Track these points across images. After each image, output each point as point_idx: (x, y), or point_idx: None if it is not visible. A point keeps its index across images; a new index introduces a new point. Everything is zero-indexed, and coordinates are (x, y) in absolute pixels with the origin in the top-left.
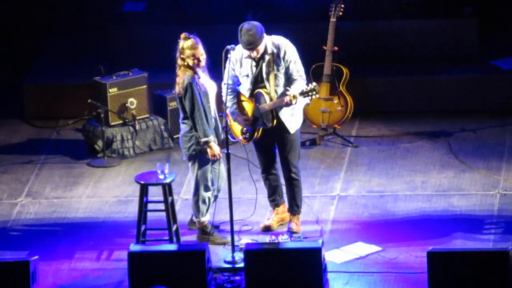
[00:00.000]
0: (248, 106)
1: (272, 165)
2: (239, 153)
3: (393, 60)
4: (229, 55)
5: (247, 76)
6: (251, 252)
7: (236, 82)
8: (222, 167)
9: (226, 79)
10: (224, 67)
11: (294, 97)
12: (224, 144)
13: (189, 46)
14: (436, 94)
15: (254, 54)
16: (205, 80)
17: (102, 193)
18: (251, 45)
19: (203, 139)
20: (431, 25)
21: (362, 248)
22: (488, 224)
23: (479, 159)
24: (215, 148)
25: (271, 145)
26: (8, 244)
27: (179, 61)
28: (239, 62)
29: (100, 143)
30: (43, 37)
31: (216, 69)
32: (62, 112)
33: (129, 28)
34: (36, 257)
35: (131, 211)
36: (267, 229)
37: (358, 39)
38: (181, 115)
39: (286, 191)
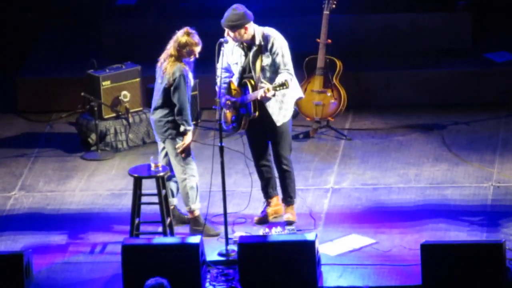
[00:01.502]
0: (236, 95)
1: (264, 157)
2: (233, 147)
3: (386, 53)
4: (222, 48)
5: (236, 64)
6: (244, 245)
7: (230, 70)
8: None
9: (220, 72)
10: (217, 61)
11: (268, 90)
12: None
13: (193, 43)
14: (430, 87)
15: (231, 35)
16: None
17: (96, 187)
18: (229, 23)
19: (187, 127)
20: (425, 19)
21: (356, 241)
22: (482, 217)
23: (473, 152)
24: (189, 140)
25: (262, 137)
26: (1, 237)
27: (173, 51)
28: (231, 50)
29: (93, 136)
30: (36, 31)
31: (208, 63)
32: (56, 106)
33: (122, 21)
34: (30, 250)
35: (125, 204)
36: (261, 222)
37: (352, 32)
38: (160, 101)
39: (279, 183)
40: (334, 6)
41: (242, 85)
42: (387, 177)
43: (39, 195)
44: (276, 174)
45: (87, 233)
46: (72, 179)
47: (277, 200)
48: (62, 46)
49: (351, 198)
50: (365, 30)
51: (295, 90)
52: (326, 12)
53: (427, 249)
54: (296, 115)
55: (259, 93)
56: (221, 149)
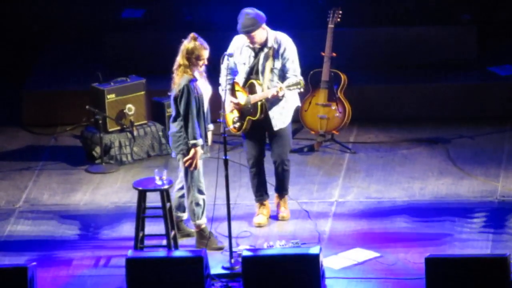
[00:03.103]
0: (241, 95)
1: (260, 160)
2: (237, 160)
3: (391, 66)
4: (227, 62)
5: (244, 64)
6: (249, 258)
7: (235, 70)
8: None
9: (225, 85)
10: (222, 74)
11: (281, 89)
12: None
13: (200, 46)
14: (435, 101)
15: (248, 40)
16: (202, 83)
17: (100, 200)
18: (246, 28)
19: (192, 141)
20: (430, 32)
21: (360, 254)
22: (486, 230)
23: (477, 165)
24: (198, 154)
25: (261, 140)
26: (6, 251)
27: (182, 60)
28: (239, 49)
29: (98, 149)
30: (41, 44)
31: (213, 76)
32: (60, 119)
33: (127, 34)
34: (34, 263)
35: (129, 217)
36: (260, 226)
37: (357, 45)
38: (173, 114)
39: (276, 177)
40: (339, 19)
41: (248, 86)
42: (392, 190)
43: (44, 208)
44: (267, 177)
45: (91, 246)
46: (77, 192)
47: (267, 202)
48: (67, 59)
49: (356, 211)
50: (370, 43)
51: (294, 98)
52: (330, 25)
53: (431, 263)
54: (300, 128)
55: (271, 92)
56: (226, 162)
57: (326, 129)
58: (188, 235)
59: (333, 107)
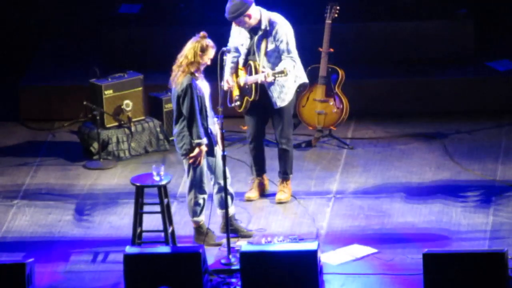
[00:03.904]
0: (242, 75)
1: (259, 139)
2: (235, 155)
3: (388, 61)
4: (224, 57)
5: (242, 45)
6: (247, 254)
7: (238, 50)
8: (218, 156)
9: (224, 81)
10: (221, 68)
11: (268, 75)
12: (216, 144)
13: (212, 45)
14: (432, 96)
15: (239, 25)
16: (200, 81)
17: (98, 195)
18: (231, 14)
19: (196, 141)
20: (427, 27)
21: (358, 250)
22: (484, 226)
23: (475, 160)
24: (202, 152)
25: (262, 119)
26: (3, 246)
27: (189, 57)
28: (239, 30)
29: (95, 145)
30: (38, 39)
31: (211, 71)
32: (58, 114)
33: (124, 30)
34: (32, 259)
35: (127, 213)
36: (250, 200)
37: (354, 41)
38: (175, 115)
39: (278, 159)
40: (336, 15)
41: (247, 66)
42: (389, 186)
43: (41, 204)
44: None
45: (89, 242)
46: (74, 188)
47: (265, 177)
48: (64, 54)
49: (353, 207)
50: (367, 39)
51: (299, 75)
52: (328, 21)
53: (429, 258)
54: (297, 124)
55: (259, 78)
56: (224, 157)
57: (323, 125)
58: (219, 245)
59: (331, 103)
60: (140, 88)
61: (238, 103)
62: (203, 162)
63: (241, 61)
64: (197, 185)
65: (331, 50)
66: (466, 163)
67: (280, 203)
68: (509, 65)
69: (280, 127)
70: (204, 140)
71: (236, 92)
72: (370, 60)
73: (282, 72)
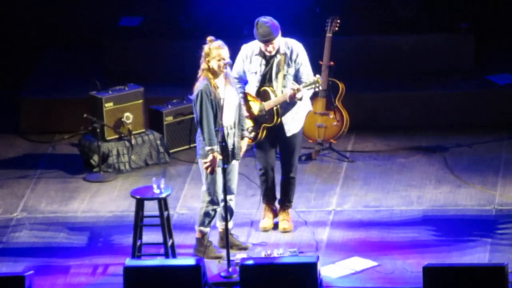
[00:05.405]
0: (254, 105)
1: (272, 171)
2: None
3: (389, 75)
4: (225, 70)
5: (255, 73)
6: (246, 267)
7: (244, 79)
8: (235, 172)
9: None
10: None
11: (298, 89)
12: (233, 156)
13: (216, 46)
14: (432, 109)
15: (269, 48)
16: (228, 90)
17: (98, 208)
18: (267, 37)
19: (208, 147)
20: (427, 40)
21: (358, 263)
22: (484, 239)
23: (475, 174)
24: (216, 160)
25: (273, 147)
26: (3, 259)
27: (203, 65)
28: (249, 59)
29: (96, 157)
30: (39, 51)
31: None
32: (58, 127)
33: (125, 42)
34: (32, 271)
35: (127, 225)
36: (266, 230)
37: (354, 54)
38: (194, 119)
39: (281, 187)
40: (337, 28)
41: (261, 93)
42: (389, 199)
43: (41, 217)
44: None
45: (88, 255)
46: (74, 201)
47: (276, 206)
48: (65, 67)
49: (353, 220)
50: (367, 52)
51: (306, 103)
52: (329, 34)
53: (429, 271)
54: None
55: (288, 94)
56: (224, 170)
57: (324, 138)
58: (219, 258)
59: (331, 116)
60: (141, 101)
61: (253, 134)
62: (218, 171)
63: (252, 90)
64: (210, 196)
65: (332, 63)
66: (466, 176)
67: (285, 232)
68: (510, 79)
69: (289, 155)
70: (216, 148)
71: (249, 124)
72: (370, 73)
73: (315, 82)
